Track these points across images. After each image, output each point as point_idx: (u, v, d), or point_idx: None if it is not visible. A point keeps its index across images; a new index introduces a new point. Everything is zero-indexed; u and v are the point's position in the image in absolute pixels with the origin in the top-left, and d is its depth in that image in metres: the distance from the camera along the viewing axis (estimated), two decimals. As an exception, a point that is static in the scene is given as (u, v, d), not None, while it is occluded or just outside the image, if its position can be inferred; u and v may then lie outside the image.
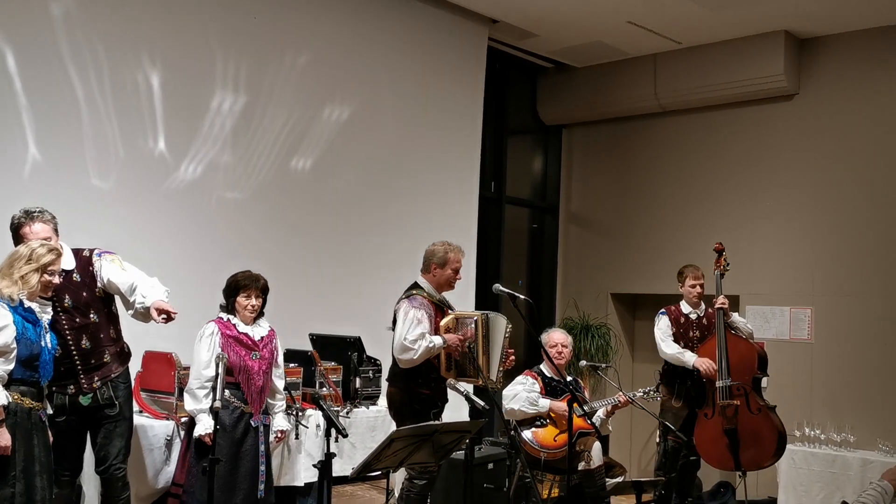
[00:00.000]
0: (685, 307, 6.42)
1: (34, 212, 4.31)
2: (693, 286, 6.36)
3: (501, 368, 5.09)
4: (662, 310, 6.45)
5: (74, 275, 4.40)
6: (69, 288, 4.35)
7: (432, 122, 7.79)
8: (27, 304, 3.89)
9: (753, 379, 6.06)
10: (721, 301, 6.15)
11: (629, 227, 8.89)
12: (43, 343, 3.92)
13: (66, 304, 4.34)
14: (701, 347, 6.21)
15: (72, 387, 4.33)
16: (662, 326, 6.34)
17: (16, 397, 3.82)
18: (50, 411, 4.22)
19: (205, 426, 4.57)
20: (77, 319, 4.36)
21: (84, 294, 4.40)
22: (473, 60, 8.13)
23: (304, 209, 6.88)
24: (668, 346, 6.26)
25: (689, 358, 6.17)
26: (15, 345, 3.77)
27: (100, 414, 4.42)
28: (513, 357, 5.17)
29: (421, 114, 7.70)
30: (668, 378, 6.33)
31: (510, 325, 5.11)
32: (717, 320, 6.15)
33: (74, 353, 4.34)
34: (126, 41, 5.84)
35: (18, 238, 4.27)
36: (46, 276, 3.93)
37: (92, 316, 4.41)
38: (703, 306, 6.42)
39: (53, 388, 4.28)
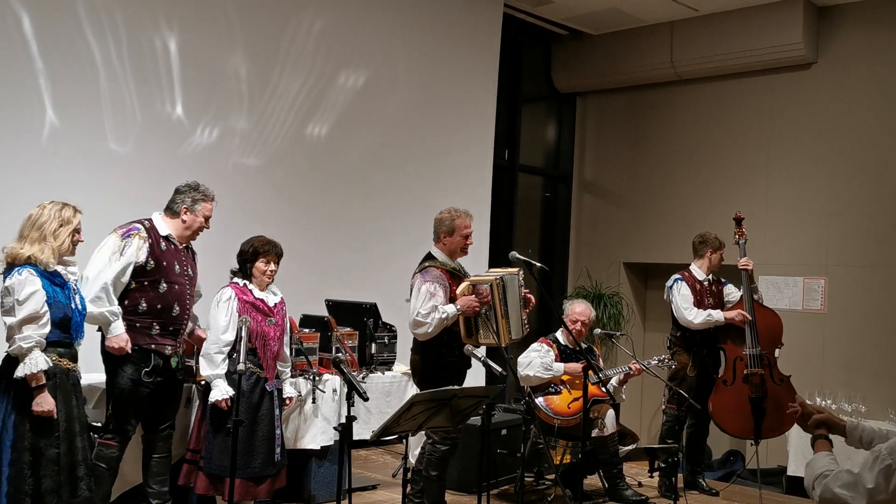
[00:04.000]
0: (699, 273, 6.31)
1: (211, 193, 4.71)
2: (722, 255, 6.30)
3: (524, 316, 5.13)
4: (678, 276, 6.31)
5: (190, 252, 4.72)
6: (190, 260, 4.68)
7: (447, 88, 7.76)
8: (52, 267, 3.92)
9: (775, 350, 6.10)
10: (744, 262, 6.13)
11: (642, 197, 8.87)
12: (73, 305, 3.97)
13: (188, 272, 4.63)
14: (727, 311, 6.19)
15: (169, 348, 4.53)
16: (685, 293, 6.17)
17: (54, 359, 3.88)
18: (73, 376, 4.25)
19: (221, 392, 4.61)
20: (191, 288, 4.66)
21: (195, 270, 4.76)
22: (488, 27, 8.07)
23: (320, 176, 6.89)
24: (693, 315, 6.10)
25: (719, 314, 6.09)
26: (47, 309, 3.82)
27: (172, 378, 4.61)
28: (532, 298, 5.17)
29: (435, 80, 7.67)
30: (685, 346, 6.25)
31: (521, 273, 5.11)
32: (744, 285, 6.14)
33: (186, 315, 4.61)
34: (143, 4, 5.82)
35: (174, 212, 4.60)
36: (77, 236, 4.00)
37: (194, 291, 4.73)
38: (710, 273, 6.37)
39: (152, 347, 4.43)
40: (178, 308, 4.53)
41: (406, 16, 7.39)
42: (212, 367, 4.68)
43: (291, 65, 6.63)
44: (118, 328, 4.32)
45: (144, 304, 4.42)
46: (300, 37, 6.68)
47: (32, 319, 3.77)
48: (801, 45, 7.59)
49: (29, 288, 3.79)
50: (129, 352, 4.34)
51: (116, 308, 4.34)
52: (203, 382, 4.84)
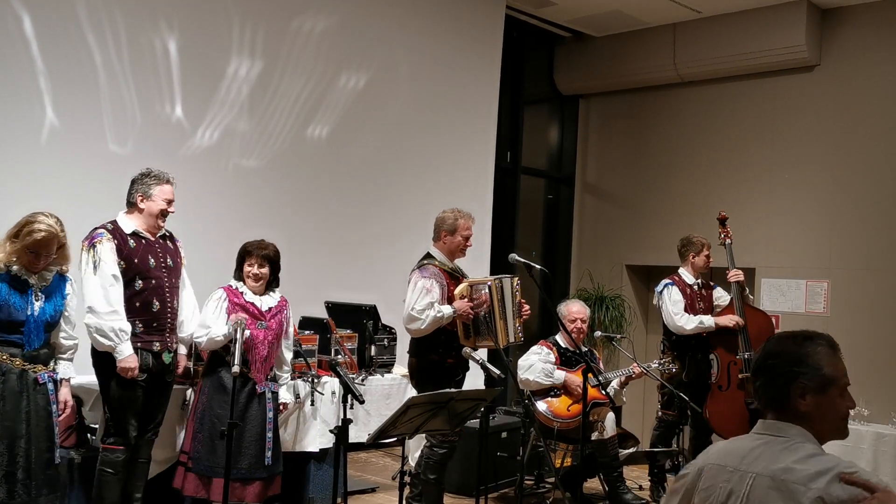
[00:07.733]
0: (688, 277, 6.23)
1: (165, 176, 4.59)
2: (708, 256, 6.24)
3: (518, 324, 5.10)
4: (668, 280, 6.22)
5: (169, 242, 4.64)
6: (169, 250, 4.60)
7: (449, 90, 7.74)
8: (15, 269, 3.92)
9: None
10: (735, 274, 6.08)
11: (645, 199, 8.85)
12: (30, 311, 3.94)
13: (168, 263, 4.55)
14: (718, 316, 6.14)
15: (158, 344, 4.48)
16: (676, 299, 6.09)
17: (3, 357, 3.87)
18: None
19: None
20: (173, 279, 4.58)
21: (178, 260, 4.67)
22: (490, 28, 8.05)
23: (320, 178, 6.87)
24: (686, 321, 6.03)
25: (710, 320, 6.02)
26: None
27: (162, 377, 4.57)
28: (527, 308, 5.15)
29: (437, 82, 7.65)
30: (679, 351, 6.16)
31: (518, 280, 5.10)
32: (734, 295, 6.09)
33: (169, 309, 4.54)
34: (143, 6, 5.82)
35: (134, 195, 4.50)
36: (28, 256, 3.93)
37: (178, 281, 4.65)
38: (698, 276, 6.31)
39: (139, 345, 4.39)
40: (157, 303, 4.46)
41: (408, 17, 7.38)
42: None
43: (292, 66, 6.62)
44: (127, 349, 4.33)
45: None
46: (301, 38, 6.67)
47: None
48: (804, 47, 7.56)
49: None
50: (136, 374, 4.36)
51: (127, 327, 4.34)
52: (188, 387, 4.83)
